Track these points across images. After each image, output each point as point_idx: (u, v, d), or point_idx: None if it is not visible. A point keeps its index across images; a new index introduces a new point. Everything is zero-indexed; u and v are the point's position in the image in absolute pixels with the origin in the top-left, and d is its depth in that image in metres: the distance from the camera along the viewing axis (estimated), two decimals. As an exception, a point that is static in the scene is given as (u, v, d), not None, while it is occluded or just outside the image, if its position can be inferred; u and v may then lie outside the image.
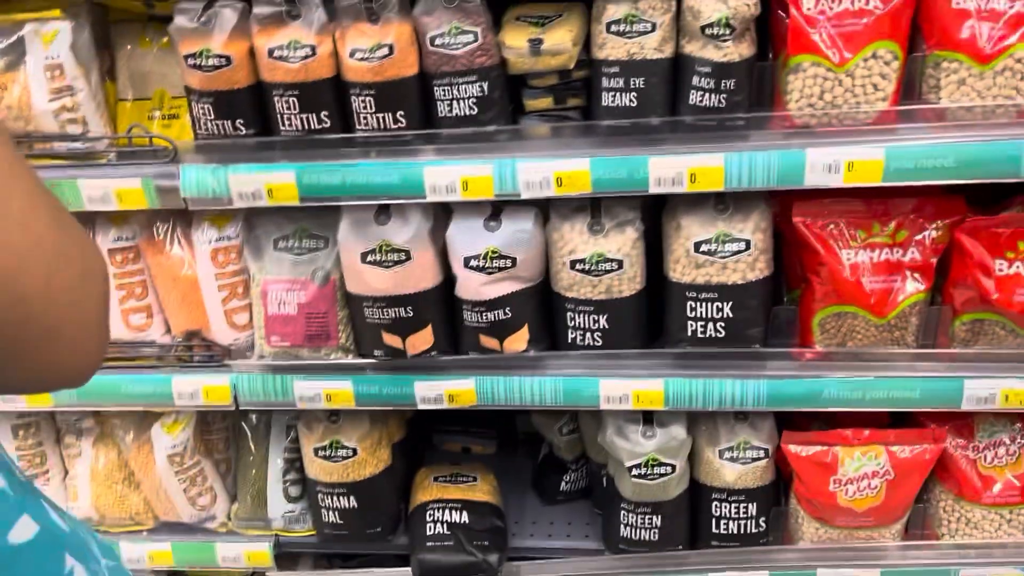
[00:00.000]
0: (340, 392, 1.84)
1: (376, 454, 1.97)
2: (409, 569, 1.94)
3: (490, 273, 1.69)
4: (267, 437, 2.07)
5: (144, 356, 1.89)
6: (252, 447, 2.07)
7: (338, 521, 1.98)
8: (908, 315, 1.64)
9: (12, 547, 0.79)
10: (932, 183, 1.50)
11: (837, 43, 1.45)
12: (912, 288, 1.61)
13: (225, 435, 2.13)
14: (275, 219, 1.80)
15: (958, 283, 1.61)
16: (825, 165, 1.50)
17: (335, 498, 1.96)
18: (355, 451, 1.93)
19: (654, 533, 1.88)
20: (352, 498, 1.95)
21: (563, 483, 2.12)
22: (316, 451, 1.94)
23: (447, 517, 1.96)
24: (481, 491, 2.05)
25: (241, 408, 1.88)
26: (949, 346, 1.66)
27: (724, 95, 1.51)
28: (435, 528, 1.94)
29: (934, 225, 1.60)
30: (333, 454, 1.94)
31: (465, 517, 1.97)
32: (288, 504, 2.04)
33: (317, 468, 1.95)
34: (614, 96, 1.56)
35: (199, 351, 1.87)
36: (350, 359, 1.83)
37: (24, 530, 0.81)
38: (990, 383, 1.65)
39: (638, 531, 1.88)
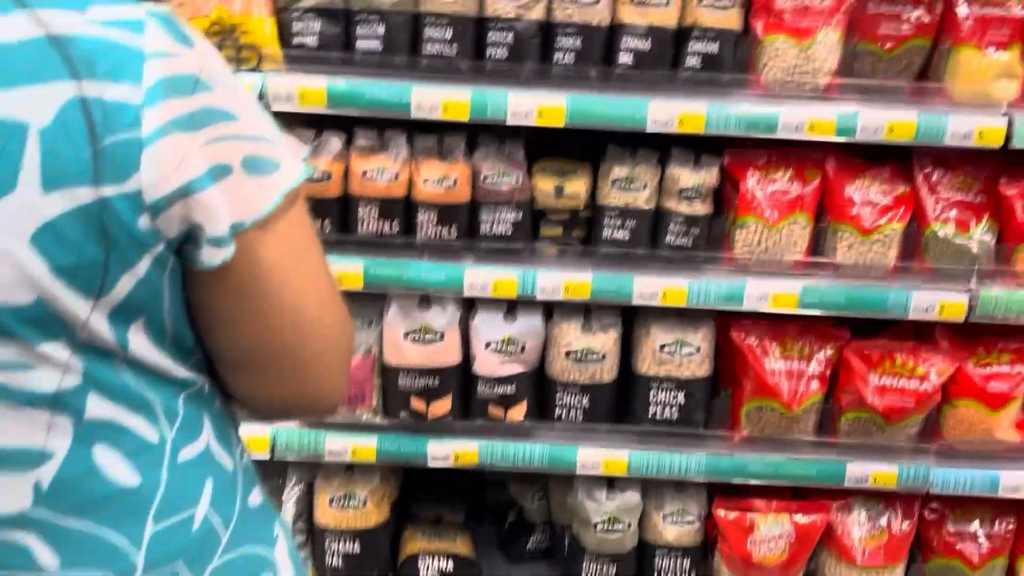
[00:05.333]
0: (364, 448, 2.24)
1: (380, 507, 2.34)
2: (401, 608, 2.29)
3: (504, 356, 2.17)
4: (280, 491, 2.40)
5: (195, 408, 2.23)
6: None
7: (340, 565, 2.32)
8: (809, 411, 2.22)
9: (250, 508, 1.02)
10: (828, 314, 2.14)
11: (771, 210, 2.09)
12: (813, 390, 2.20)
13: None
14: (329, 302, 2.24)
15: (844, 389, 2.21)
16: (758, 295, 2.10)
17: (342, 543, 2.30)
18: (365, 502, 2.30)
19: (609, 582, 2.32)
20: (357, 543, 2.30)
21: (530, 542, 2.53)
22: (331, 500, 2.30)
23: (436, 564, 2.34)
24: (461, 547, 2.44)
25: (275, 459, 2.24)
26: (837, 436, 2.25)
27: (691, 239, 2.11)
28: (426, 572, 2.31)
29: (829, 345, 2.21)
30: (346, 504, 2.30)
31: (450, 565, 2.35)
32: (295, 549, 2.36)
33: (329, 516, 2.30)
34: (612, 232, 2.13)
35: (246, 406, 2.24)
36: (377, 420, 2.24)
37: (256, 496, 1.04)
38: (864, 466, 2.24)
39: (597, 579, 2.32)
